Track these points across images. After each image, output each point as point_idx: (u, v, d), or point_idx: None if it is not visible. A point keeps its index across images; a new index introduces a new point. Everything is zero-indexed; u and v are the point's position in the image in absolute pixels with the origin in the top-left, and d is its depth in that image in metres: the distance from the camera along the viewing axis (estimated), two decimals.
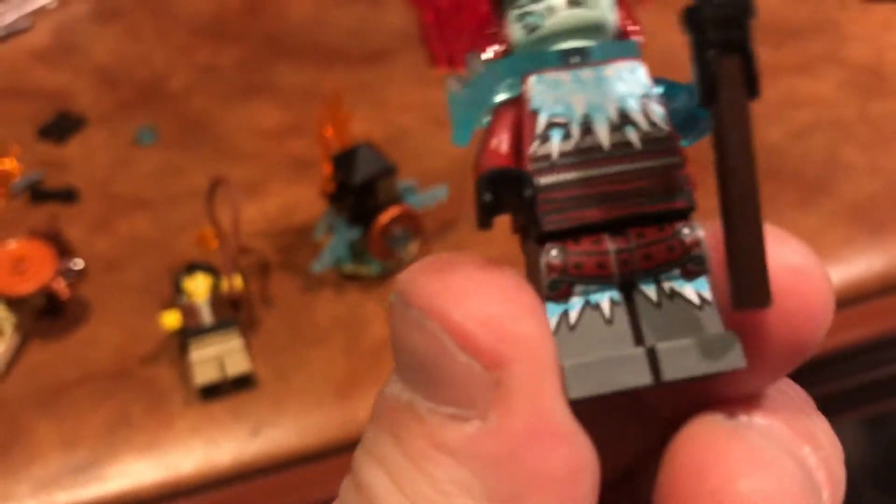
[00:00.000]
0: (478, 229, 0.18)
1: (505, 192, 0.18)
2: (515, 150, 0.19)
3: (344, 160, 0.63)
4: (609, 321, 0.18)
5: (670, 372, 0.18)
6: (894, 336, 0.64)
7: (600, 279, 0.18)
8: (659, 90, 0.20)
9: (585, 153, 0.19)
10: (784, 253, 0.18)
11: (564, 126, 0.19)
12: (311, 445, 0.57)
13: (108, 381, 0.60)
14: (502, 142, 0.19)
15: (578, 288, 0.18)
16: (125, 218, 0.72)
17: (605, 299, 0.18)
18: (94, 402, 0.58)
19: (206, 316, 0.60)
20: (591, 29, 0.20)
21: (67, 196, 0.74)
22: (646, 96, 0.19)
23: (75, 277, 0.63)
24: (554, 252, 0.18)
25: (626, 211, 0.19)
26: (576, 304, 0.18)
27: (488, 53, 0.20)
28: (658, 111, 0.19)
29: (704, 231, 0.19)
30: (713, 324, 0.18)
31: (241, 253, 0.65)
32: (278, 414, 0.58)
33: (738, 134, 0.18)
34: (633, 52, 0.20)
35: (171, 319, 0.60)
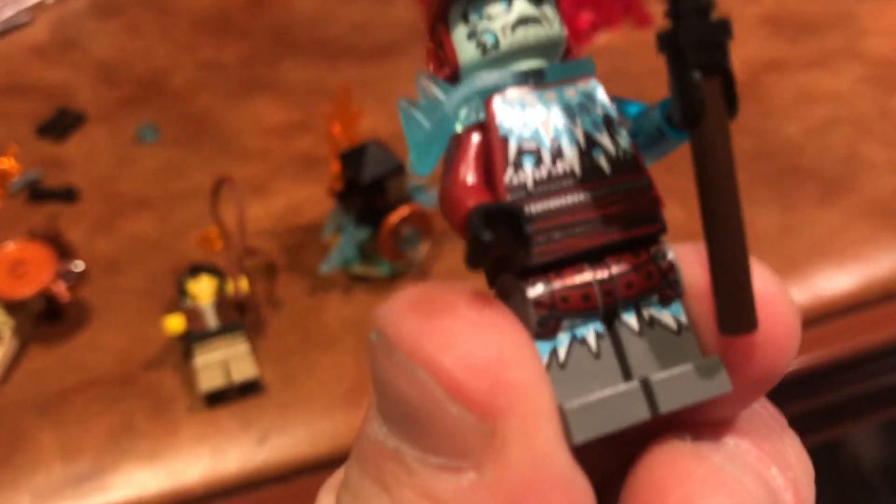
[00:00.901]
0: (468, 269, 0.17)
1: (501, 229, 0.17)
2: (484, 180, 0.18)
3: (352, 158, 0.61)
4: (597, 355, 0.18)
5: (666, 403, 0.18)
6: None
7: (586, 312, 0.18)
8: (619, 110, 0.19)
9: (559, 180, 0.18)
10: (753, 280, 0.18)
11: (535, 152, 0.18)
12: (320, 453, 0.55)
13: (111, 388, 0.58)
14: (472, 172, 0.18)
15: (566, 323, 0.18)
16: (127, 218, 0.70)
17: (590, 333, 0.18)
18: (97, 410, 0.57)
19: (211, 319, 0.59)
20: (548, 47, 0.19)
21: (67, 195, 0.72)
22: (608, 117, 0.19)
23: (76, 280, 0.61)
24: (540, 287, 0.18)
25: (605, 239, 0.18)
26: (563, 340, 0.18)
27: (440, 74, 0.19)
28: (622, 133, 0.19)
29: (687, 253, 0.19)
30: (693, 349, 0.19)
31: (246, 254, 0.64)
32: (286, 421, 0.56)
33: (722, 156, 0.17)
34: (590, 71, 0.19)
35: (175, 323, 0.58)
